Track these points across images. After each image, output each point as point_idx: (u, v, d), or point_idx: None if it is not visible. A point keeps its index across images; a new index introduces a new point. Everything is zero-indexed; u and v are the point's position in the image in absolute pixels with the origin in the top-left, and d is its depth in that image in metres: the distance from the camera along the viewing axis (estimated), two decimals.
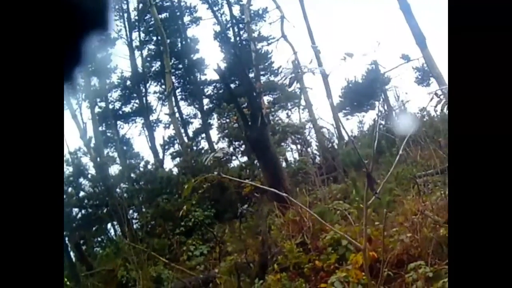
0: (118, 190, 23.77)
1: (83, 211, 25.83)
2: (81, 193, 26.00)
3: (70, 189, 25.76)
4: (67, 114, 29.92)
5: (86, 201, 25.45)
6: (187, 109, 37.99)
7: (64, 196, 24.64)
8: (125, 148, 33.28)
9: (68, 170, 26.52)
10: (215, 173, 5.96)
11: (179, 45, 38.47)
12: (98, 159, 26.58)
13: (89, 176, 26.27)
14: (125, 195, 22.65)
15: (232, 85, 31.70)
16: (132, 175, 25.18)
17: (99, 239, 27.39)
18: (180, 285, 12.93)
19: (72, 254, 23.75)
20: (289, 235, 11.67)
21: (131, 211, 23.10)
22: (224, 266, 12.17)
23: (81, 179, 26.36)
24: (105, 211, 24.72)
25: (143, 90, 36.12)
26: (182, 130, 34.10)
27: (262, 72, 35.97)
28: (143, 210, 23.27)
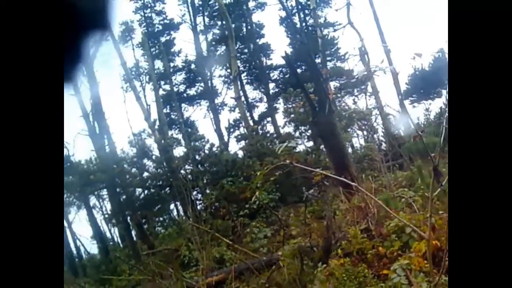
0: (182, 171, 24.00)
1: (146, 192, 26.19)
2: (145, 174, 26.32)
3: (134, 169, 26.15)
4: (131, 96, 30.44)
5: (149, 181, 25.76)
6: (252, 93, 38.12)
7: (128, 176, 25.08)
8: (189, 130, 33.33)
9: (132, 151, 26.96)
10: (287, 161, 5.91)
11: (244, 30, 38.49)
12: (163, 141, 26.81)
13: (153, 157, 26.57)
14: (189, 176, 22.81)
15: (298, 70, 31.71)
16: (197, 157, 25.34)
17: (161, 219, 27.84)
18: (243, 267, 12.97)
19: (133, 233, 24.31)
20: (354, 221, 11.64)
21: (194, 193, 23.30)
22: (288, 249, 12.16)
23: (145, 160, 26.70)
24: (168, 191, 25.03)
25: (208, 74, 36.48)
26: (248, 114, 34.24)
27: (328, 58, 35.77)
28: (207, 192, 23.47)
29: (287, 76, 35.82)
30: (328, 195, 13.74)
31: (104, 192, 27.41)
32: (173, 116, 35.66)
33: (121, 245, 27.72)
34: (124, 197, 24.76)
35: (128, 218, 24.81)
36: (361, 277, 9.10)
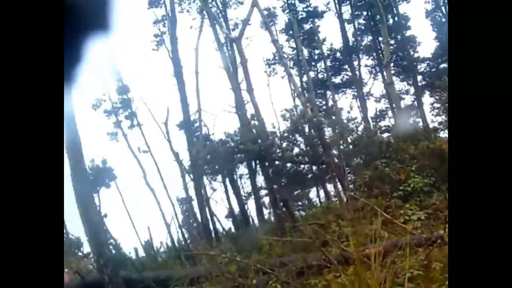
0: (334, 151, 24.09)
1: (295, 167, 26.34)
2: (295, 150, 26.36)
3: (285, 144, 26.32)
4: (276, 79, 30.95)
5: (300, 157, 25.91)
6: (398, 84, 37.74)
7: (278, 150, 25.26)
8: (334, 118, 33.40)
9: (285, 124, 27.01)
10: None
11: (391, 21, 38.28)
12: (314, 119, 26.67)
13: (305, 134, 26.47)
14: (341, 155, 22.84)
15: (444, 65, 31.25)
16: (349, 139, 25.41)
17: (300, 203, 27.89)
18: (400, 242, 12.81)
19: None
20: None
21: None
22: None
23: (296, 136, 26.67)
24: (318, 169, 25.11)
25: (356, 62, 36.86)
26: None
27: None
28: (359, 172, 23.17)
29: (433, 69, 35.63)
30: None
31: (245, 170, 27.57)
32: (317, 103, 35.77)
33: (256, 223, 27.69)
34: (271, 170, 24.95)
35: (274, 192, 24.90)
36: None
